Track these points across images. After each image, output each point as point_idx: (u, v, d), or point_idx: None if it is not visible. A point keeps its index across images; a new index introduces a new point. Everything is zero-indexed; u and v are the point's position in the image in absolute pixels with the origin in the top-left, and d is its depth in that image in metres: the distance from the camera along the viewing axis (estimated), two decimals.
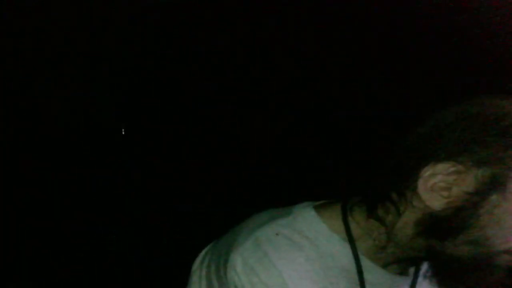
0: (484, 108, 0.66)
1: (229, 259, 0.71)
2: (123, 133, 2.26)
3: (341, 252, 0.72)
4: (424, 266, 0.77)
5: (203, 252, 0.82)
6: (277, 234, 0.72)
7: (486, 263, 0.66)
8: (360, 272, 0.71)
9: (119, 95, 2.18)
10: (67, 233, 2.13)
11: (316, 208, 0.76)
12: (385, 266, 0.73)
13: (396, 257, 0.72)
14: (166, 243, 2.09)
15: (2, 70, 1.91)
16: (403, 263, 0.74)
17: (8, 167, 2.08)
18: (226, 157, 2.18)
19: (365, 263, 0.72)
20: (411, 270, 0.78)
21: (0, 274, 1.98)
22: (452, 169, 0.64)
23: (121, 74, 2.13)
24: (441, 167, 0.65)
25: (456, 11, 1.46)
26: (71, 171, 2.18)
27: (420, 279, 0.77)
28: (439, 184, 0.65)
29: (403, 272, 0.76)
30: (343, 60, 1.88)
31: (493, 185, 0.63)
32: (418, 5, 1.56)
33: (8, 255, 2.01)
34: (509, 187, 0.63)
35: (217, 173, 2.17)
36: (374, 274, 0.72)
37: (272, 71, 2.02)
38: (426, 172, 0.65)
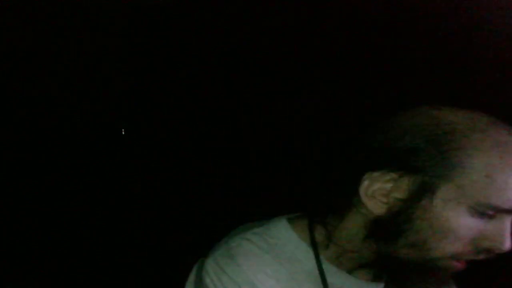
0: (417, 118, 0.71)
1: (204, 266, 0.79)
2: (123, 133, 2.26)
3: (307, 257, 0.79)
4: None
5: (194, 269, 0.86)
6: (247, 240, 0.80)
7: (430, 266, 0.70)
8: (322, 274, 0.77)
9: (120, 95, 2.18)
10: (66, 233, 2.13)
11: (290, 219, 0.84)
12: (350, 271, 0.79)
13: (356, 262, 0.78)
14: (168, 246, 2.09)
15: (2, 70, 1.91)
16: (369, 269, 0.79)
17: (8, 167, 2.08)
18: (229, 159, 2.18)
19: (328, 267, 0.78)
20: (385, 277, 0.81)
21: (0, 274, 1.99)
22: (387, 177, 0.70)
23: (122, 73, 2.13)
24: (377, 175, 0.71)
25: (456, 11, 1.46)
26: (71, 170, 2.18)
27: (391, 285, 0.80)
28: (378, 191, 0.71)
29: (375, 279, 0.80)
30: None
31: (423, 191, 0.68)
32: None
33: (7, 255, 2.01)
34: (438, 193, 0.67)
35: (220, 174, 2.17)
36: (337, 278, 0.78)
37: (275, 72, 2.01)
38: (365, 180, 0.71)
